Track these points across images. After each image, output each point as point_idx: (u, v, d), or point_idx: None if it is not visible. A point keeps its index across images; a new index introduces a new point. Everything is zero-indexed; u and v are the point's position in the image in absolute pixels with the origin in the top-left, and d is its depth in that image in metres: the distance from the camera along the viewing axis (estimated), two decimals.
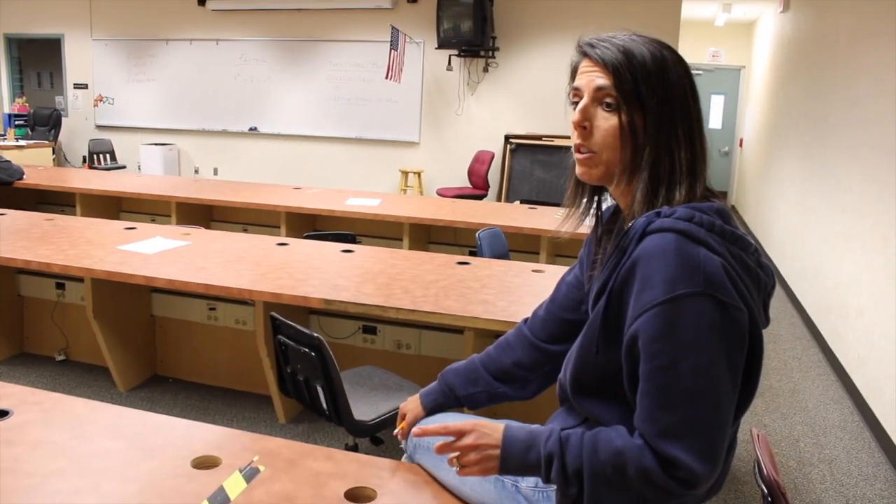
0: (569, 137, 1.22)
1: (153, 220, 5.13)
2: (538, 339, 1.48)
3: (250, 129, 8.88)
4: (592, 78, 1.16)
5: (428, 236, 4.83)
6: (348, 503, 1.26)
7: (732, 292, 1.05)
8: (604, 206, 1.32)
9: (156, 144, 9.01)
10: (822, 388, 3.81)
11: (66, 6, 9.26)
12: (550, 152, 7.41)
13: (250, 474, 1.32)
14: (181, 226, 4.02)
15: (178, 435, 1.47)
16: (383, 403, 2.18)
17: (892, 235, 3.31)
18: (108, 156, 9.18)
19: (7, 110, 9.70)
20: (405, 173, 8.16)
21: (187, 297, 3.38)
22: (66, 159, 9.71)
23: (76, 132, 9.58)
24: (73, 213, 5.17)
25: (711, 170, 1.19)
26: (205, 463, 1.36)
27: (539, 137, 7.57)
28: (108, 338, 3.27)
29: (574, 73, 1.21)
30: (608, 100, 1.14)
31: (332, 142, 8.64)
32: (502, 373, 1.49)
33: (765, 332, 1.13)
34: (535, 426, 1.22)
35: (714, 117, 10.81)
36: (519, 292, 2.67)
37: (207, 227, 4.97)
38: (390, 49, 7.61)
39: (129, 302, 3.38)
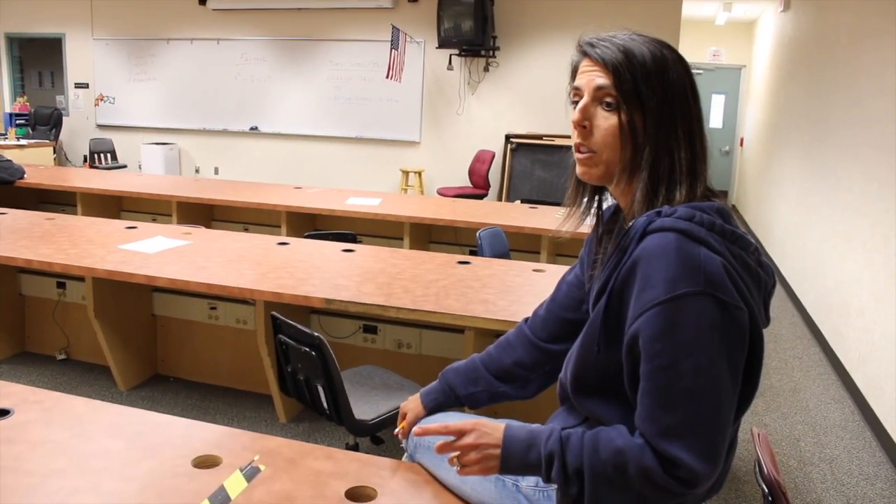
0: (569, 137, 1.22)
1: (154, 220, 5.13)
2: (539, 338, 1.48)
3: (251, 129, 8.88)
4: (592, 77, 1.16)
5: (429, 236, 4.83)
6: (349, 502, 1.26)
7: (733, 292, 1.05)
8: (604, 206, 1.32)
9: (157, 144, 9.01)
10: (822, 388, 3.81)
11: (67, 6, 9.26)
12: (551, 152, 7.41)
13: (251, 473, 1.32)
14: (182, 225, 4.02)
15: (179, 434, 1.47)
16: (384, 403, 2.18)
17: (892, 234, 3.31)
18: (108, 155, 9.18)
19: (8, 109, 9.71)
20: (406, 173, 8.16)
21: (188, 296, 3.38)
22: (66, 159, 9.72)
23: (77, 131, 9.59)
24: (74, 213, 5.18)
25: (712, 169, 1.19)
26: (205, 462, 1.36)
27: (540, 137, 7.57)
28: (109, 337, 3.27)
29: (574, 72, 1.21)
30: (608, 99, 1.14)
31: (333, 141, 8.64)
32: (503, 372, 1.49)
33: (765, 331, 1.13)
34: (535, 425, 1.22)
35: (715, 116, 10.81)
36: (519, 292, 2.67)
37: (208, 226, 4.97)
38: (391, 48, 7.61)
39: (130, 301, 3.38)
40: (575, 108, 1.18)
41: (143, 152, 8.97)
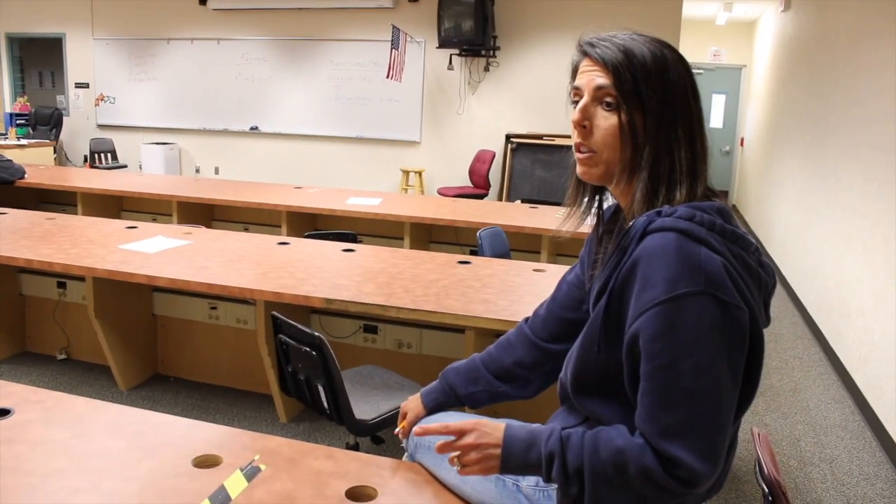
0: (570, 137, 1.21)
1: (154, 220, 5.13)
2: (539, 338, 1.48)
3: (251, 129, 8.88)
4: (592, 77, 1.16)
5: (429, 236, 4.83)
6: (349, 502, 1.26)
7: (733, 291, 1.05)
8: (605, 206, 1.32)
9: (157, 144, 9.01)
10: (822, 388, 3.81)
11: (67, 5, 9.26)
12: (551, 151, 7.41)
13: (251, 473, 1.32)
14: (182, 225, 4.02)
15: (179, 434, 1.47)
16: (384, 402, 2.19)
17: (892, 234, 3.31)
18: (109, 155, 9.19)
19: (8, 109, 9.71)
20: (406, 172, 8.16)
21: (188, 296, 3.38)
22: (67, 158, 9.72)
23: (77, 131, 9.59)
24: (75, 213, 5.18)
25: (712, 169, 1.19)
26: (206, 462, 1.36)
27: (540, 137, 7.57)
28: (110, 337, 3.27)
29: (575, 72, 1.21)
30: (608, 99, 1.14)
31: (333, 141, 8.64)
32: (503, 372, 1.49)
33: (766, 331, 1.13)
34: (535, 425, 1.22)
35: (715, 116, 10.81)
36: (520, 291, 2.67)
37: (209, 226, 4.97)
38: (391, 48, 7.61)
39: (131, 301, 3.38)
40: (575, 107, 1.18)
41: (144, 152, 8.97)
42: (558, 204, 1.70)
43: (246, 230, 4.97)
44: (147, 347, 3.53)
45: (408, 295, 2.55)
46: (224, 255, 3.12)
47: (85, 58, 9.39)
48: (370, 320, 3.11)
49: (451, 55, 7.85)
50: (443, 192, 7.50)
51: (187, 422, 1.53)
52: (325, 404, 2.09)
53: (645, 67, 1.12)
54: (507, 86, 7.98)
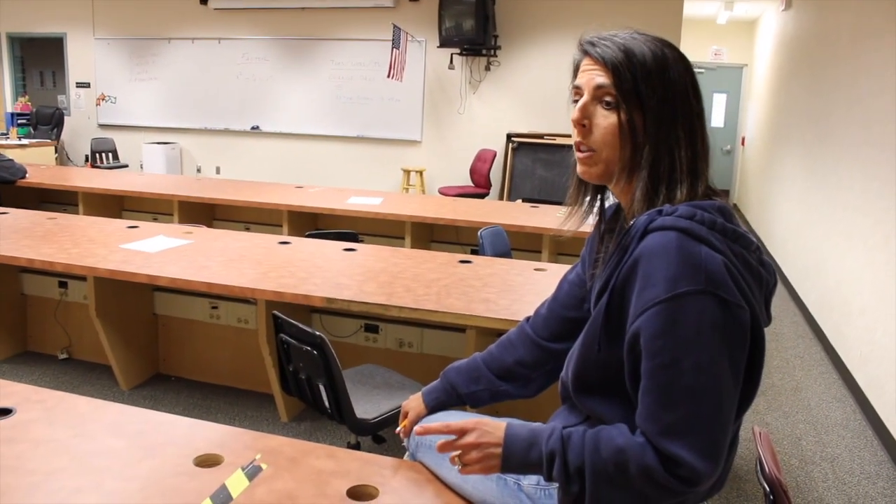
0: (571, 136, 1.22)
1: (155, 219, 5.13)
2: (540, 337, 1.48)
3: (252, 128, 8.89)
4: (592, 76, 1.16)
5: (430, 235, 4.83)
6: (350, 501, 1.26)
7: (734, 290, 1.05)
8: (606, 205, 1.32)
9: (158, 143, 9.02)
10: (824, 387, 3.81)
11: (68, 5, 9.27)
12: (552, 151, 7.40)
13: (252, 472, 1.32)
14: (183, 224, 4.03)
15: (181, 433, 1.47)
16: (385, 402, 2.19)
17: (893, 233, 3.31)
18: (110, 155, 9.19)
19: (10, 109, 9.72)
20: (407, 172, 8.16)
21: (189, 295, 3.39)
22: (68, 158, 9.73)
23: (78, 131, 9.59)
24: (76, 212, 5.18)
25: (713, 168, 1.18)
26: (207, 461, 1.37)
27: (541, 136, 7.57)
28: (111, 336, 3.27)
29: (576, 71, 1.21)
30: (608, 98, 1.14)
31: (334, 140, 8.64)
32: (504, 371, 1.50)
33: (767, 330, 1.13)
34: (536, 424, 1.22)
35: (716, 115, 10.80)
36: (521, 291, 2.67)
37: (210, 225, 4.97)
38: (392, 48, 7.61)
39: (132, 300, 3.38)
40: (576, 106, 1.18)
41: (145, 152, 8.98)
42: (559, 203, 1.70)
43: (247, 230, 4.97)
44: (148, 347, 3.54)
45: (409, 294, 2.55)
46: (225, 254, 3.12)
47: (86, 57, 9.40)
48: (371, 319, 3.11)
49: (451, 54, 7.85)
50: (444, 192, 7.50)
51: (188, 421, 1.53)
52: (327, 403, 2.09)
53: (645, 67, 1.12)
54: (508, 85, 7.98)
